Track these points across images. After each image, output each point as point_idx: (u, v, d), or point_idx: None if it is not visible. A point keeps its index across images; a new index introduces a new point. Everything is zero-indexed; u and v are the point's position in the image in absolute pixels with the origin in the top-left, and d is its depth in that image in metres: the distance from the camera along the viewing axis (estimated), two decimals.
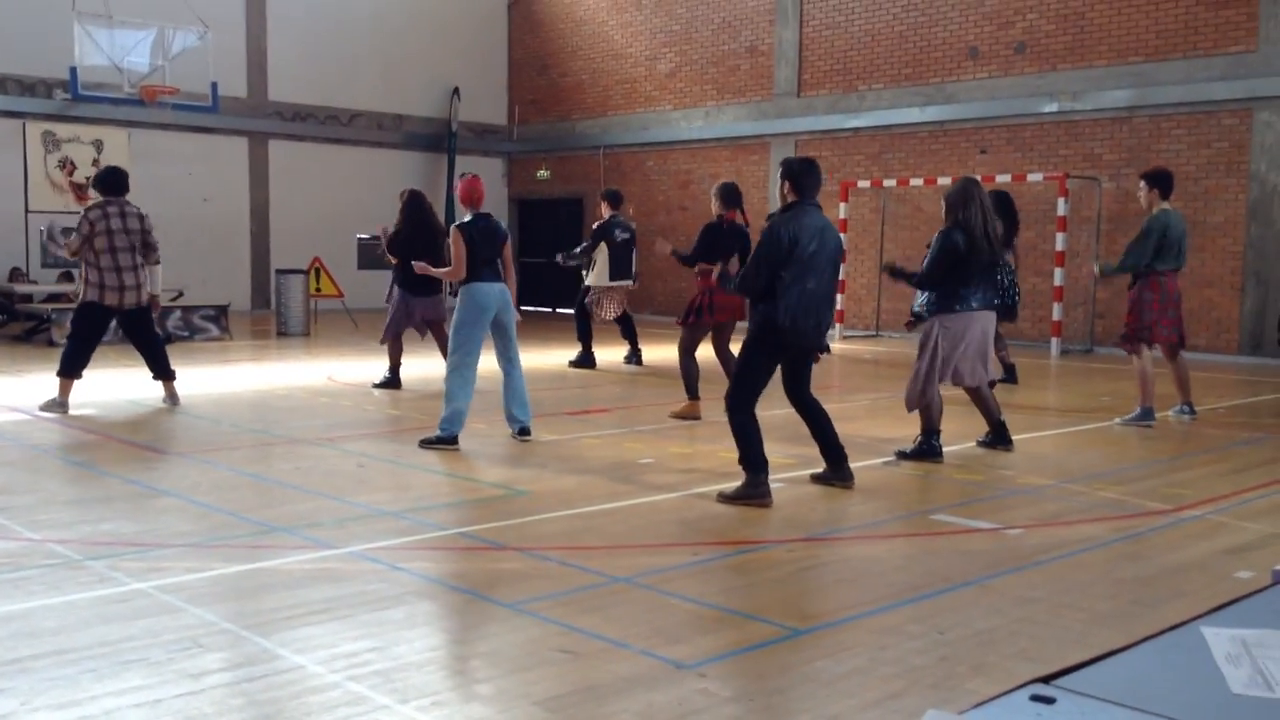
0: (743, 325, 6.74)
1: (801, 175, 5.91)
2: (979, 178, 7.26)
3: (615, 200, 11.99)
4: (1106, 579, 4.56)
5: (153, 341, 8.91)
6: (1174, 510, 5.79)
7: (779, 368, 6.05)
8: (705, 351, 8.72)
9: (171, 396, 8.87)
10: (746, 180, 19.01)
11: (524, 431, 7.50)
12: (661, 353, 13.25)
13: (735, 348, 8.87)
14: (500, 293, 7.37)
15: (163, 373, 8.86)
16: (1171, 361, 8.84)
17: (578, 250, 12.04)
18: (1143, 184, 8.68)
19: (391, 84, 21.31)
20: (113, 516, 5.35)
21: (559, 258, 12.28)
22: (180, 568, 4.51)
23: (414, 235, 9.87)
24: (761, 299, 5.81)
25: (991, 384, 7.66)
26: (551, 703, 3.20)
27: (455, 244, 7.29)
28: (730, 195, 8.62)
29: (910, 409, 7.09)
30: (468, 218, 7.42)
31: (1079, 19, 15.04)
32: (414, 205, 10.05)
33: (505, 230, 7.63)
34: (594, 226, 11.95)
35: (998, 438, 7.43)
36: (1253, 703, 1.28)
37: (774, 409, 6.86)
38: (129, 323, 8.77)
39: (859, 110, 17.34)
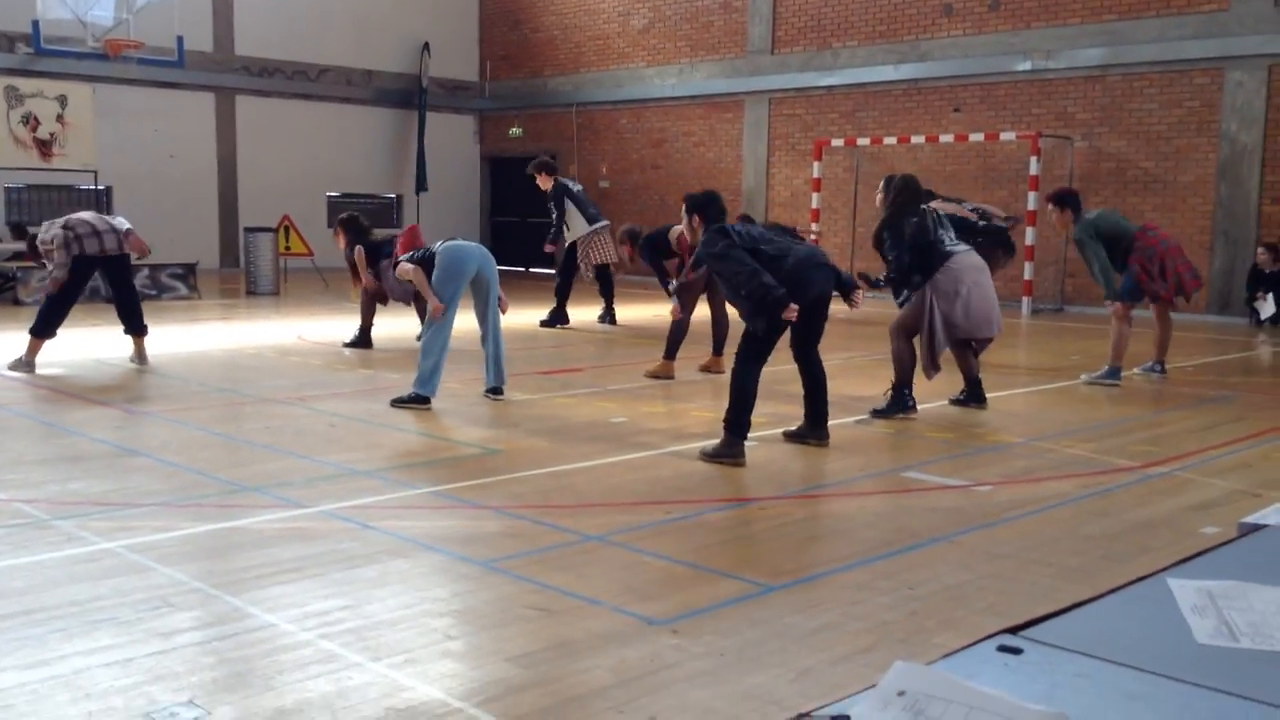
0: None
1: (708, 206, 6.21)
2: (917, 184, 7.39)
3: (551, 169, 12.13)
4: (1075, 535, 4.60)
5: (132, 293, 8.86)
6: (1141, 467, 5.84)
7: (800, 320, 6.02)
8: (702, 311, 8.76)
9: (140, 354, 8.80)
10: (720, 139, 18.94)
11: (495, 391, 7.48)
12: (635, 312, 13.23)
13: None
14: (480, 251, 7.34)
15: (135, 328, 8.79)
16: (1160, 321, 8.88)
17: (554, 231, 12.08)
18: (1051, 206, 8.74)
19: (361, 39, 21.01)
20: (81, 476, 5.31)
21: (548, 249, 12.21)
22: (149, 527, 4.48)
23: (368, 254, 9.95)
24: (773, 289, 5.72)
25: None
26: (524, 659, 3.21)
27: (418, 277, 7.24)
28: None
29: (930, 377, 7.17)
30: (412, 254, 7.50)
31: None
32: (354, 232, 10.07)
33: None
34: (551, 200, 11.99)
35: (971, 395, 7.47)
36: (1218, 652, 1.29)
37: None
38: (112, 270, 8.69)
39: (833, 68, 17.26)
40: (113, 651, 3.21)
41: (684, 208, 6.34)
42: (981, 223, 10.28)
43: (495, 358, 7.48)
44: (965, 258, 7.10)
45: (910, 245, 6.96)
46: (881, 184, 7.36)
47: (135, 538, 4.32)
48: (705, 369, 8.85)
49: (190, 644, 3.29)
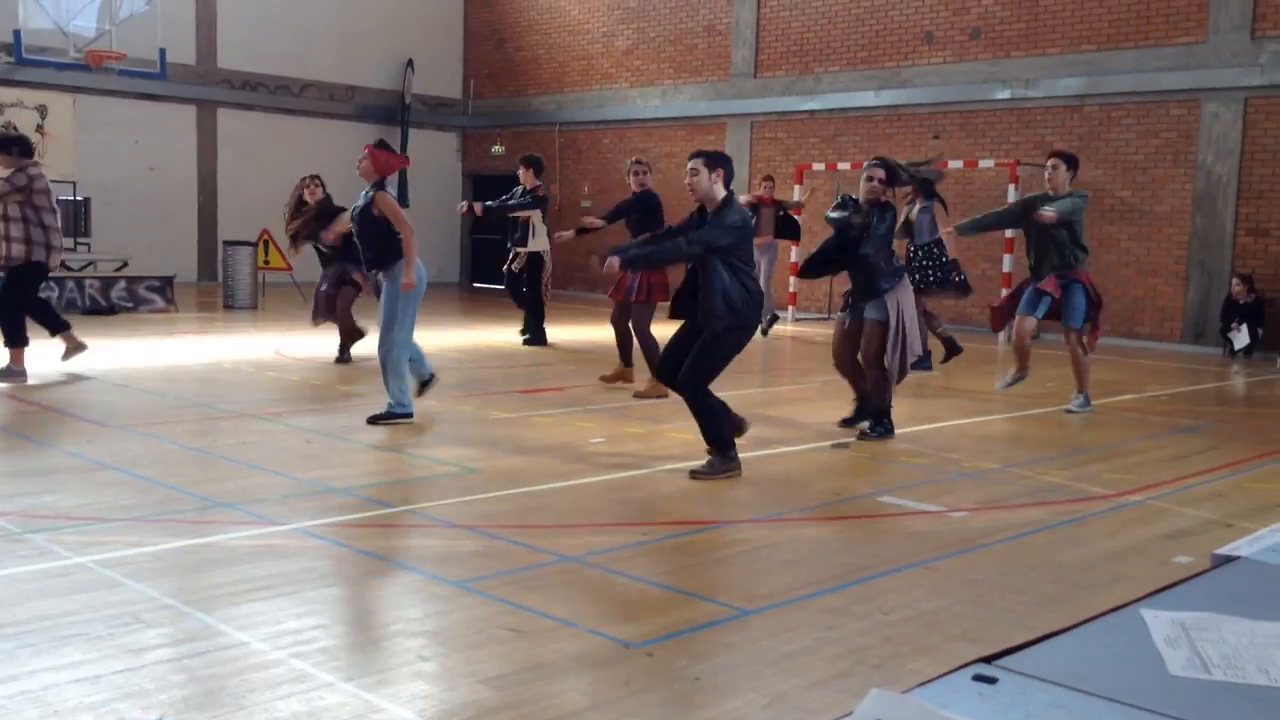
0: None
1: (730, 168, 6.09)
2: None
3: (540, 169, 11.89)
4: (1049, 562, 4.62)
5: (38, 300, 8.81)
6: (1116, 495, 5.88)
7: (684, 338, 6.05)
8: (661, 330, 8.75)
9: (75, 346, 8.76)
10: None
11: (431, 378, 7.62)
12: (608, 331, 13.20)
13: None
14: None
15: (57, 326, 8.75)
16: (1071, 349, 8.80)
17: (512, 202, 11.62)
18: (1060, 162, 8.58)
19: (344, 54, 21.00)
20: (53, 489, 5.26)
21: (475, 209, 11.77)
22: (122, 542, 4.44)
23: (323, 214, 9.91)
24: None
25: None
26: (498, 681, 3.20)
27: (394, 207, 7.15)
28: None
29: (898, 381, 7.25)
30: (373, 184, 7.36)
31: (1033, 6, 15.15)
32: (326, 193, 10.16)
33: None
34: (532, 194, 11.64)
35: (863, 412, 7.47)
36: (1190, 684, 1.30)
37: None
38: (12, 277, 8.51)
39: (815, 92, 17.37)
40: (82, 668, 3.18)
41: (702, 160, 5.94)
42: (955, 274, 10.34)
43: (418, 354, 7.54)
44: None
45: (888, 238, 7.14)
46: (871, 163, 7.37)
47: (107, 553, 4.28)
48: (615, 380, 8.94)
49: (160, 661, 3.26)
